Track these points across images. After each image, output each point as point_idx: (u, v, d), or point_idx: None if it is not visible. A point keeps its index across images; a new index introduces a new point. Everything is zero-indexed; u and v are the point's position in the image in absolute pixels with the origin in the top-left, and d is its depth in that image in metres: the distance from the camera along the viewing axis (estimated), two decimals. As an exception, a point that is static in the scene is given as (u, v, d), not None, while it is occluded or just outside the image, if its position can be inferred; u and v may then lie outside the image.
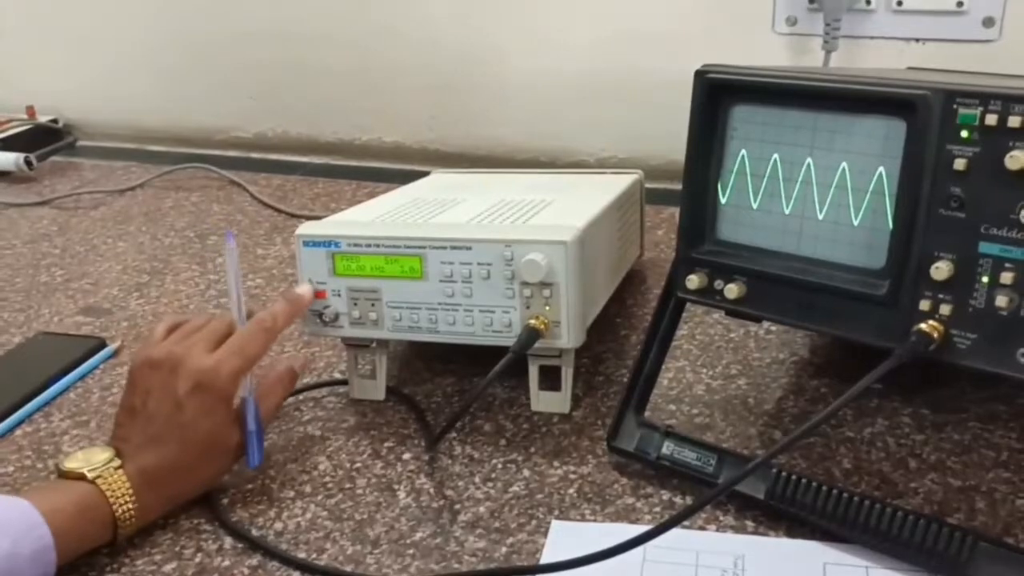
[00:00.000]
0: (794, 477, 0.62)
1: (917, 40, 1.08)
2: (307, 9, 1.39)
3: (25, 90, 1.58)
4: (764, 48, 1.15)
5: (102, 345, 0.90)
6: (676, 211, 1.13)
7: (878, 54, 1.09)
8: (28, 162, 1.41)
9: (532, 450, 0.72)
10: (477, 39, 1.32)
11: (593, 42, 1.26)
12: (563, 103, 1.31)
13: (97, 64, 1.56)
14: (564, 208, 0.80)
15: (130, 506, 0.60)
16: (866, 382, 0.54)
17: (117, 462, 0.61)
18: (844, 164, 0.59)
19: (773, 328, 0.86)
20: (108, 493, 0.59)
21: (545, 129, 1.33)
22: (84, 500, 0.59)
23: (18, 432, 0.78)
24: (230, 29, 1.45)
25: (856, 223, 0.59)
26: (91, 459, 0.61)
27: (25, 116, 1.54)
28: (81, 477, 0.59)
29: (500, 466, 0.71)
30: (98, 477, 0.59)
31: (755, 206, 0.63)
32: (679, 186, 1.16)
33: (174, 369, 0.63)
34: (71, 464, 0.61)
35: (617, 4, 1.23)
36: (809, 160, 0.61)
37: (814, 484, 0.61)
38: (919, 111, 0.55)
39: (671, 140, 1.23)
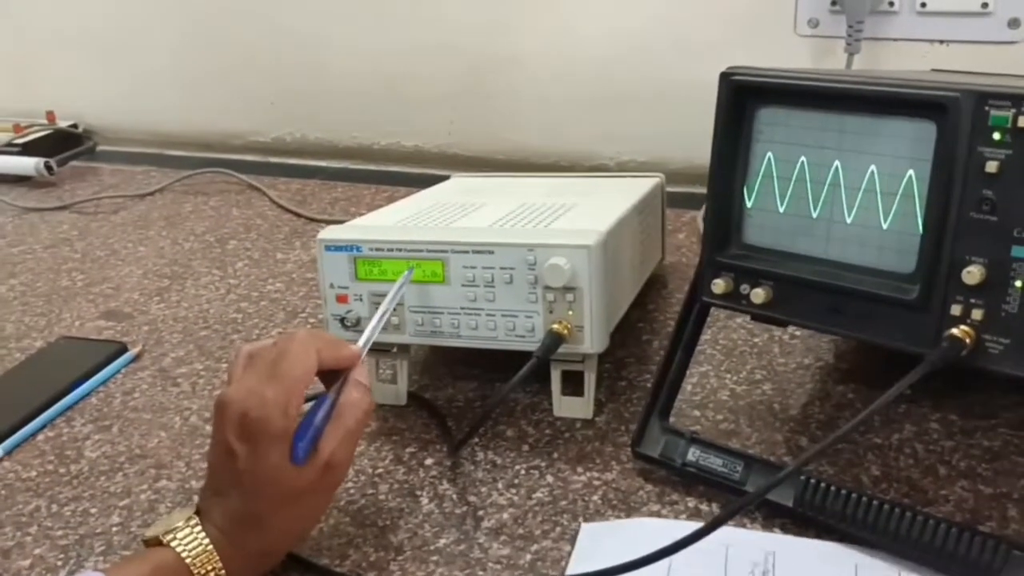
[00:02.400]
0: (823, 484, 0.61)
1: (941, 42, 1.07)
2: (326, 14, 1.39)
3: (45, 95, 1.59)
4: (786, 50, 1.14)
5: (123, 350, 0.90)
6: (697, 215, 1.13)
7: (901, 56, 1.08)
8: (48, 167, 1.42)
9: (555, 456, 0.72)
10: (496, 43, 1.32)
11: (612, 46, 1.26)
12: (582, 107, 1.30)
13: (116, 69, 1.57)
14: (586, 212, 0.80)
15: (210, 565, 0.55)
16: (898, 389, 0.53)
17: (195, 520, 0.57)
18: (873, 167, 0.59)
19: (798, 333, 0.85)
20: (184, 554, 0.55)
21: (565, 133, 1.33)
22: (161, 566, 0.55)
23: (40, 437, 0.79)
24: (248, 34, 1.46)
25: (885, 226, 0.59)
26: (170, 522, 0.57)
27: (45, 121, 1.55)
28: (158, 543, 0.56)
29: (523, 472, 0.70)
30: (173, 539, 0.56)
31: (782, 210, 0.63)
32: (700, 189, 1.16)
33: (223, 412, 0.57)
34: (151, 532, 0.57)
35: (636, 7, 1.23)
36: (837, 163, 0.60)
37: (843, 491, 0.60)
38: (950, 113, 0.54)
39: (691, 143, 1.23)
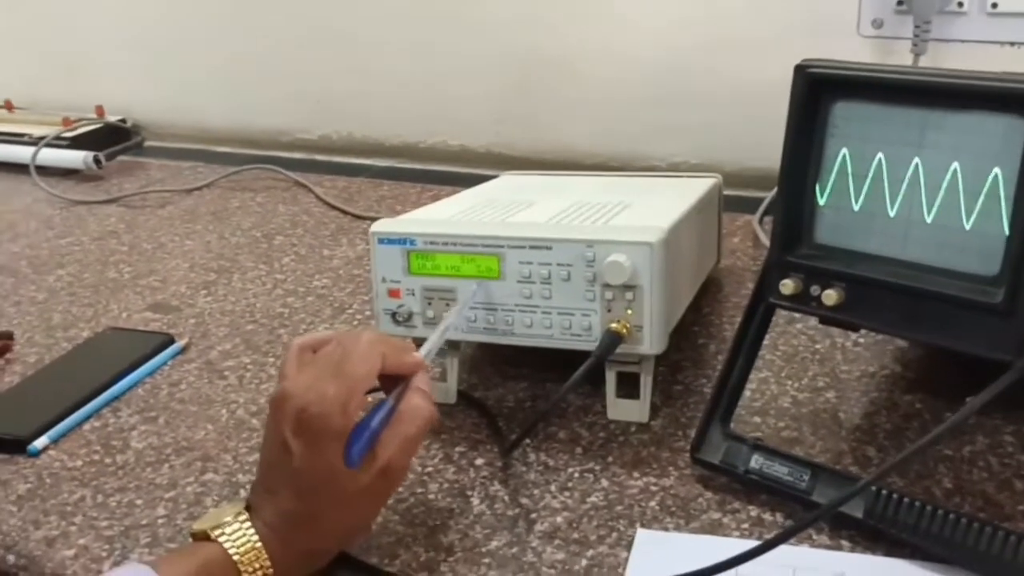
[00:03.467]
0: (895, 496, 0.58)
1: (1012, 44, 1.03)
2: (373, 12, 1.39)
3: (95, 90, 1.60)
4: (848, 52, 1.07)
5: (170, 341, 0.89)
6: (752, 219, 1.10)
7: (970, 58, 1.05)
8: (97, 160, 1.42)
9: (610, 459, 0.69)
10: (545, 41, 1.30)
11: (667, 44, 1.23)
12: (634, 107, 1.28)
13: (165, 65, 1.57)
14: (645, 210, 0.77)
15: (258, 563, 0.54)
16: (984, 397, 0.51)
17: (244, 516, 0.55)
18: (955, 164, 0.56)
19: (861, 340, 0.82)
20: (232, 551, 0.53)
21: (615, 133, 1.31)
22: (209, 562, 0.53)
23: (86, 427, 0.78)
24: (296, 33, 1.45)
25: (968, 227, 0.56)
26: (219, 516, 0.55)
27: (94, 115, 1.56)
28: (206, 537, 0.54)
29: (577, 475, 0.68)
30: (221, 535, 0.54)
31: (856, 208, 0.60)
32: (755, 193, 1.15)
33: (281, 406, 0.55)
34: (199, 525, 0.56)
35: (693, 5, 1.20)
36: (917, 160, 0.57)
37: (917, 503, 0.58)
38: (1042, 107, 0.52)
39: (747, 145, 1.21)
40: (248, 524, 0.55)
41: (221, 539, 0.54)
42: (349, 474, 0.54)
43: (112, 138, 1.54)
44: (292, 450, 0.54)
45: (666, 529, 0.62)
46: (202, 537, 0.55)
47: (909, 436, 0.70)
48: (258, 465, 0.58)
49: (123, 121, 1.59)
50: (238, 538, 0.54)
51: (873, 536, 0.59)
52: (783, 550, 0.58)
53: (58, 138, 1.47)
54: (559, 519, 0.63)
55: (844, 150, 0.60)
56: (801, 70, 0.60)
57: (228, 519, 0.55)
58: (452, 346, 0.77)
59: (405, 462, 0.58)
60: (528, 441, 0.72)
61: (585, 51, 1.28)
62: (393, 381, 0.59)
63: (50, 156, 1.44)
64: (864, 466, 0.67)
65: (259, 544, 0.54)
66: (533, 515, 0.64)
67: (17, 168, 1.44)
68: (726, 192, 0.98)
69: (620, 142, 1.31)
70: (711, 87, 1.22)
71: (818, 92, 0.60)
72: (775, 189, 0.65)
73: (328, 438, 0.54)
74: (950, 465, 0.66)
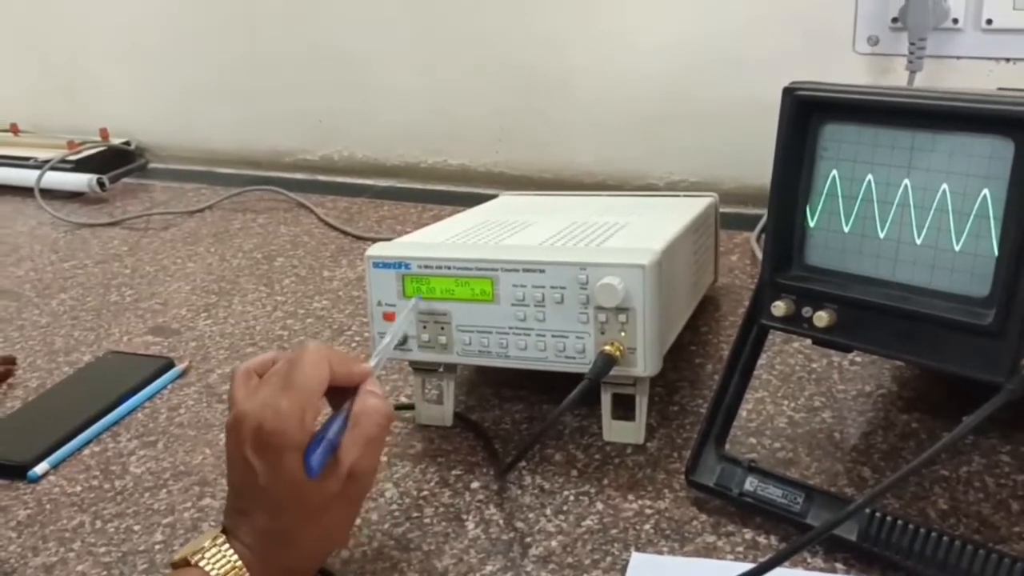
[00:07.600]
0: (889, 518, 0.58)
1: (1008, 60, 1.03)
2: (375, 33, 1.40)
3: (99, 112, 1.61)
4: (843, 69, 1.11)
5: (170, 365, 0.90)
6: (750, 236, 1.10)
7: (965, 74, 1.05)
8: (100, 183, 1.43)
9: (605, 482, 0.69)
10: (547, 61, 1.31)
11: (665, 63, 1.24)
12: (632, 126, 1.28)
13: (169, 88, 1.59)
14: (639, 230, 0.78)
15: None
16: (975, 419, 0.51)
17: (222, 539, 0.55)
18: (945, 186, 0.56)
19: (858, 359, 0.82)
20: (214, 574, 0.54)
21: (614, 152, 1.31)
22: None
23: (86, 452, 0.78)
24: (298, 53, 1.46)
25: (958, 248, 0.56)
26: (197, 544, 0.55)
27: (99, 138, 1.57)
28: (187, 563, 0.54)
29: (572, 498, 0.68)
30: (201, 559, 0.54)
31: (847, 230, 0.60)
32: (753, 210, 1.15)
33: (238, 428, 0.55)
34: (179, 555, 0.56)
35: (691, 25, 1.21)
36: (906, 181, 0.58)
37: (911, 526, 0.57)
38: (1030, 129, 0.52)
39: (745, 163, 1.21)
40: (227, 546, 0.55)
41: (202, 563, 0.54)
42: (314, 485, 0.54)
43: (116, 161, 1.55)
44: (255, 469, 0.54)
45: (661, 553, 0.62)
46: (182, 564, 0.55)
47: (905, 456, 0.70)
48: (227, 491, 0.58)
49: (127, 144, 1.60)
50: (218, 560, 0.54)
51: (868, 559, 0.59)
52: (777, 573, 0.58)
53: (62, 161, 1.48)
54: (554, 543, 0.63)
55: (834, 172, 0.60)
56: (789, 93, 0.60)
57: (206, 544, 0.55)
58: (449, 369, 0.77)
59: (371, 464, 0.58)
60: (524, 463, 0.72)
61: (585, 71, 1.29)
62: (341, 396, 0.58)
63: (55, 179, 1.45)
64: (860, 487, 0.66)
65: (239, 564, 0.54)
66: (528, 539, 0.64)
67: (22, 191, 1.45)
68: (725, 209, 0.98)
69: (619, 161, 1.31)
70: (710, 106, 1.22)
71: (807, 114, 0.61)
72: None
73: (288, 451, 0.53)
74: (946, 486, 0.66)
